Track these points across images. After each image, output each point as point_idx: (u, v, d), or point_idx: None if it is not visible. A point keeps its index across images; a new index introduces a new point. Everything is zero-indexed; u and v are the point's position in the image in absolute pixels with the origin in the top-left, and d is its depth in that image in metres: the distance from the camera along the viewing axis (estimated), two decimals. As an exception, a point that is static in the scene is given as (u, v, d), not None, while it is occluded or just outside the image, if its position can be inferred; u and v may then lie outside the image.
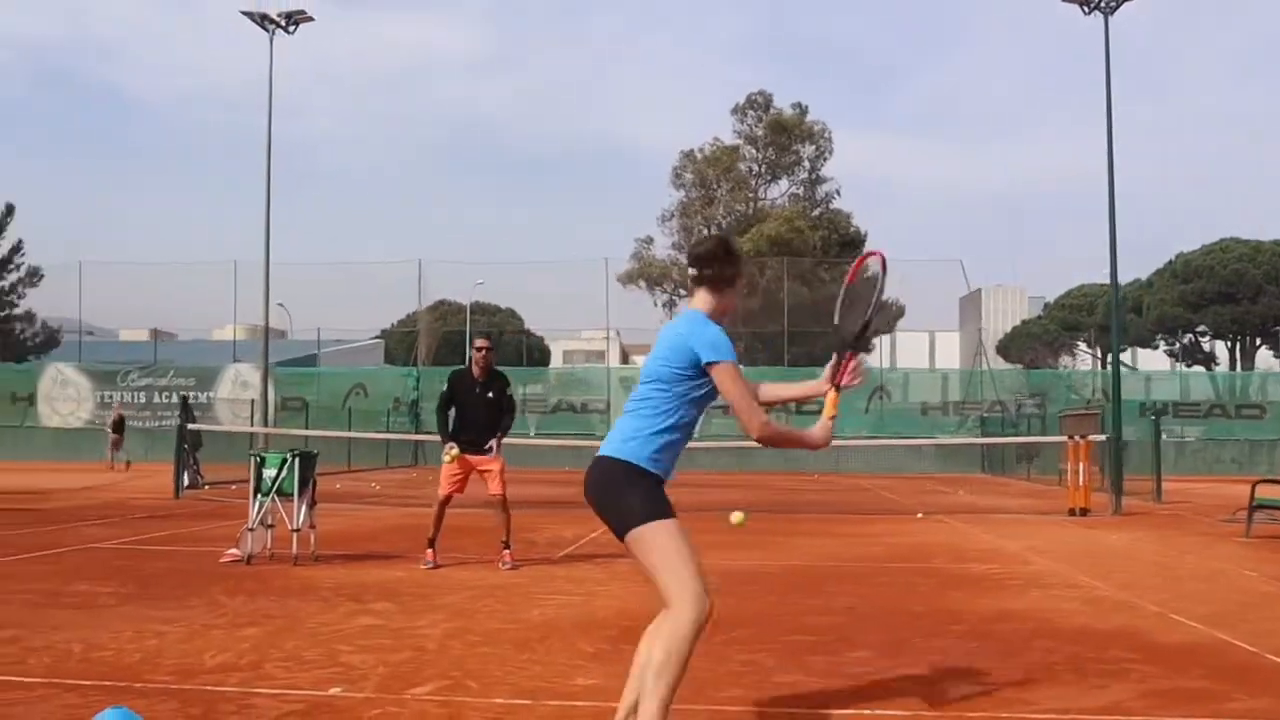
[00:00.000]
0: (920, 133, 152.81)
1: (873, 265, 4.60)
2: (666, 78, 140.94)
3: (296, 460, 10.10)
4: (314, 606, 7.61)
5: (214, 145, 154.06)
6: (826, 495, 21.84)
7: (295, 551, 9.85)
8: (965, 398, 36.53)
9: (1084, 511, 16.28)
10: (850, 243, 52.10)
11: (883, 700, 5.13)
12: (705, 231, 52.70)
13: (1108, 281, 20.01)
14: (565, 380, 40.76)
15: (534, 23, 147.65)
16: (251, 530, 10.00)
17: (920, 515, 16.39)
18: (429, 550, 9.95)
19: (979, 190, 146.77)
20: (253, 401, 31.51)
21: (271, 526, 10.20)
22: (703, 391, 4.01)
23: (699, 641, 3.85)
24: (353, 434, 29.93)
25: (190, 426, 22.33)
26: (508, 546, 10.04)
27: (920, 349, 67.36)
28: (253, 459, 10.31)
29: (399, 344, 58.96)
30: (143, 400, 37.10)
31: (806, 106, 52.85)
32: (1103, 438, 17.37)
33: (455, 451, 10.13)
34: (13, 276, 40.15)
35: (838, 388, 4.29)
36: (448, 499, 10.20)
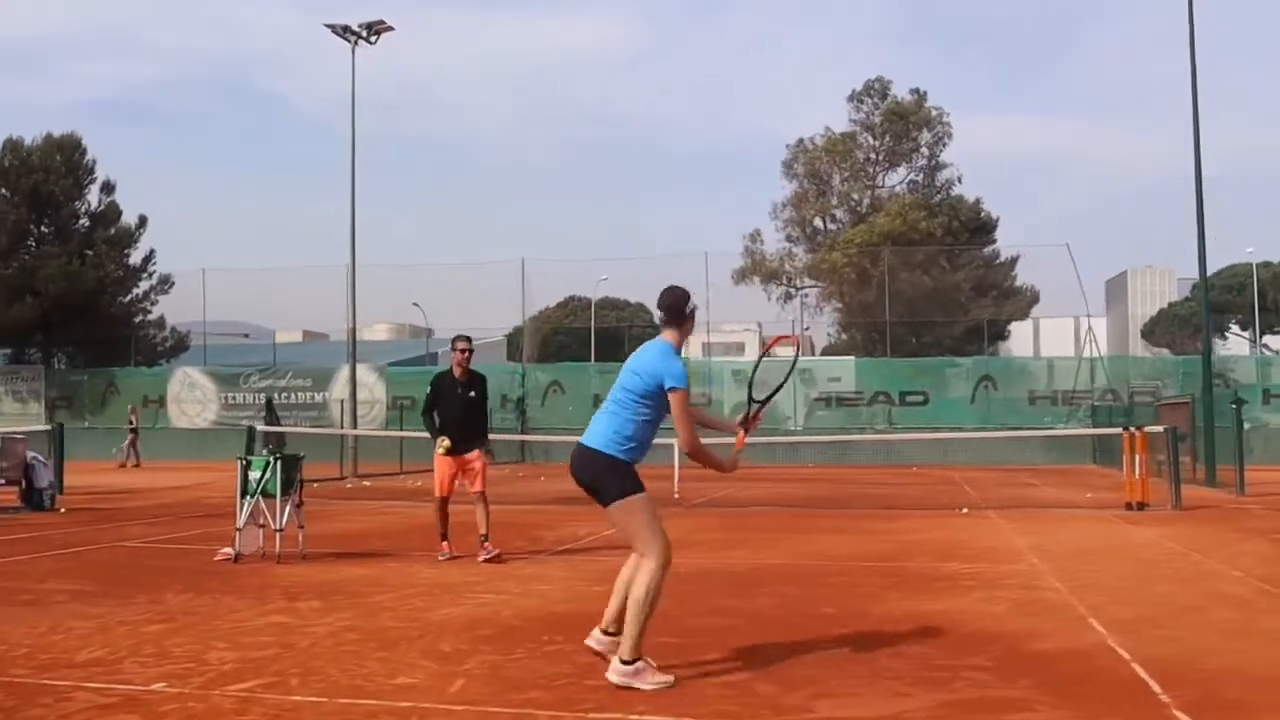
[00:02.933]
0: (1065, 113, 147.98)
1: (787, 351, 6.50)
2: (780, 67, 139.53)
3: (279, 463, 10.50)
4: (243, 603, 7.96)
5: (369, 150, 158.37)
6: (895, 489, 21.48)
7: (279, 550, 10.24)
8: (1076, 386, 35.29)
9: (1141, 506, 15.70)
10: (981, 228, 51.01)
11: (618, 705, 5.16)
12: (820, 224, 52.32)
13: (1258, 261, 19.20)
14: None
15: (675, 14, 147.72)
16: (240, 530, 10.45)
17: (964, 510, 16.06)
18: (444, 543, 10.42)
19: (1127, 170, 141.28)
20: (341, 402, 32.51)
21: (264, 526, 10.61)
22: (663, 404, 5.51)
23: (664, 581, 5.49)
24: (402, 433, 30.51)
25: (273, 429, 23.30)
26: (486, 539, 10.31)
27: (1065, 335, 65.31)
28: (239, 462, 10.75)
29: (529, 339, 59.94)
30: (262, 401, 38.59)
31: (925, 92, 51.89)
32: (1160, 429, 16.70)
33: (448, 443, 10.44)
34: (145, 284, 42.18)
35: (745, 430, 5.95)
36: (446, 498, 10.51)
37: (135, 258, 42.25)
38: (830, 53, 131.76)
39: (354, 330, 29.29)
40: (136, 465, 30.56)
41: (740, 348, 61.31)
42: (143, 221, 42.30)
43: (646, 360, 5.57)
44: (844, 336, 52.03)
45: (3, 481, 16.52)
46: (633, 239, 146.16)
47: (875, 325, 45.10)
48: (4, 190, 40.38)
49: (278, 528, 10.35)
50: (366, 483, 23.89)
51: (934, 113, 51.64)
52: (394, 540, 12.36)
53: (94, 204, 42.00)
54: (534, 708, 5.06)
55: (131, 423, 30.91)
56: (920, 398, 36.03)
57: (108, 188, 42.10)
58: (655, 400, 5.50)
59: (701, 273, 41.72)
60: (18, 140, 40.85)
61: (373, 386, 38.33)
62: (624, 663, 5.37)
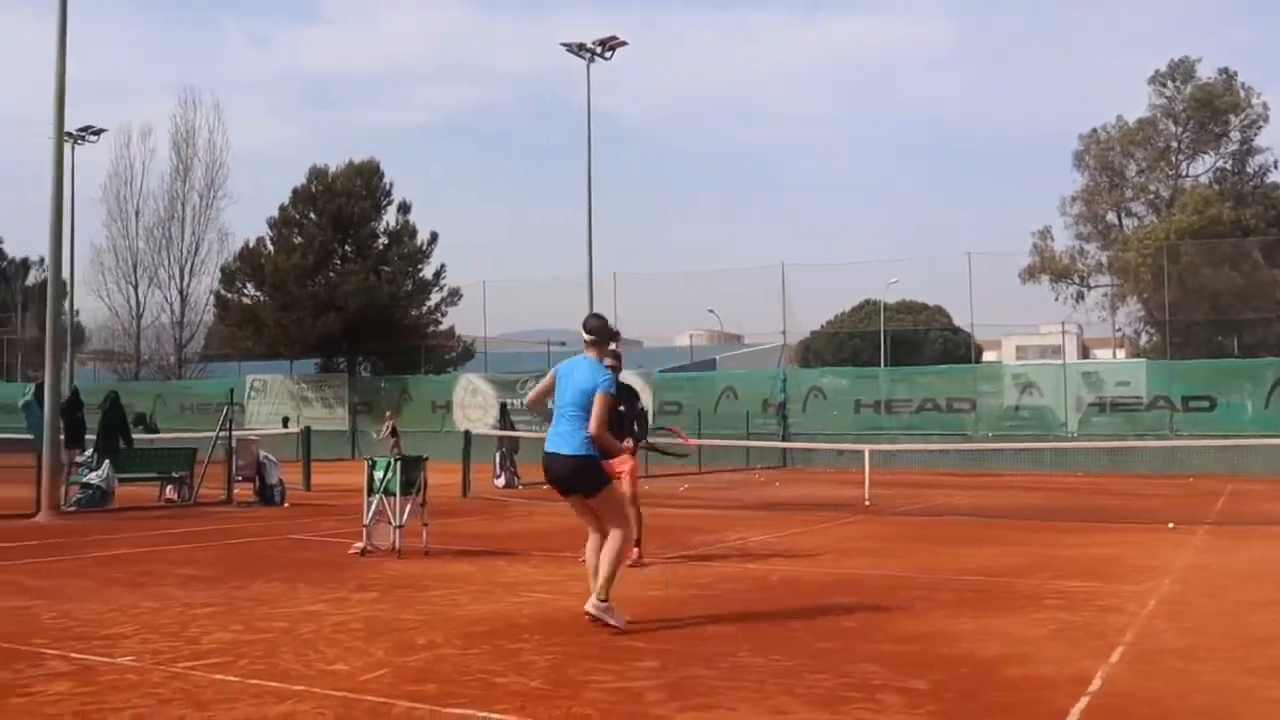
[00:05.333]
0: None
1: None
2: (1072, 54, 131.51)
3: (399, 464, 11.17)
4: (312, 592, 8.58)
5: (683, 158, 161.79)
6: (1125, 501, 20.04)
7: (398, 546, 10.88)
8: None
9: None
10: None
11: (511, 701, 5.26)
12: (1114, 218, 49.31)
13: None
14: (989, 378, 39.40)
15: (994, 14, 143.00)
16: (366, 526, 11.18)
17: (1171, 526, 14.89)
18: (635, 550, 10.69)
19: None
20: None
21: (400, 527, 11.27)
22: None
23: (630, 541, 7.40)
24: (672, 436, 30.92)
25: (507, 433, 24.43)
26: (636, 545, 10.42)
27: None
28: (366, 463, 11.49)
29: (825, 344, 59.84)
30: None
31: (1235, 72, 47.92)
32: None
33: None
34: (435, 297, 44.97)
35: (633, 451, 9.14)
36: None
37: (426, 272, 45.13)
38: (1132, 35, 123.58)
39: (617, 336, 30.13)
40: None
41: (1056, 350, 58.65)
42: (434, 238, 45.22)
43: (583, 374, 7.15)
44: (1144, 337, 48.81)
45: (240, 478, 18.22)
46: (926, 239, 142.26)
47: (1174, 325, 42.01)
48: (311, 214, 44.13)
49: (397, 525, 10.99)
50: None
51: (1245, 94, 47.58)
52: (540, 541, 12.77)
53: (391, 223, 45.21)
54: (417, 700, 5.26)
55: (391, 428, 32.96)
56: (1205, 403, 33.35)
57: (404, 208, 45.25)
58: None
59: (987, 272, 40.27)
60: (323, 168, 44.58)
61: (640, 391, 39.25)
62: (599, 600, 6.94)
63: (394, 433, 31.56)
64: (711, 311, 55.52)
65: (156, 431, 30.85)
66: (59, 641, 6.58)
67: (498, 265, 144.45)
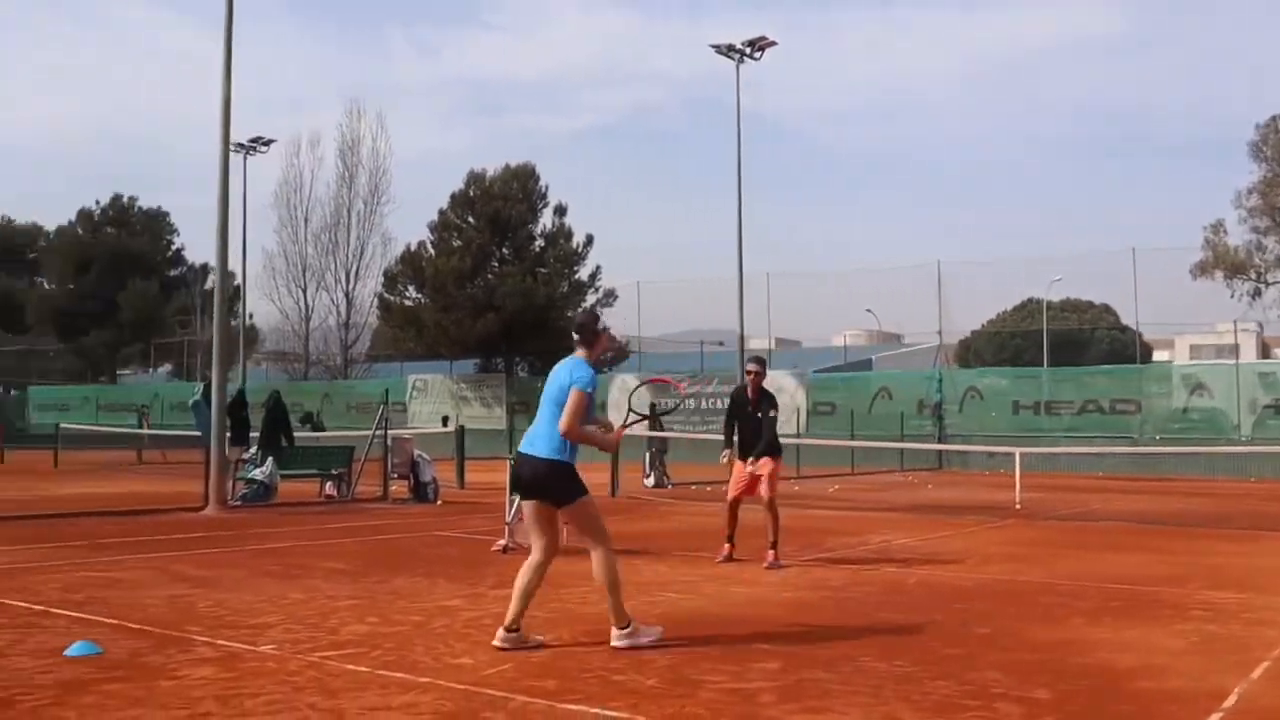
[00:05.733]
0: None
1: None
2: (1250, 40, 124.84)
3: (540, 462, 11.38)
4: (451, 588, 8.86)
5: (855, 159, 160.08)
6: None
7: (540, 543, 11.10)
8: None
9: None
10: None
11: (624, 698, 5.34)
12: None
13: None
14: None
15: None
16: (508, 524, 11.45)
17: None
18: (725, 545, 10.87)
19: None
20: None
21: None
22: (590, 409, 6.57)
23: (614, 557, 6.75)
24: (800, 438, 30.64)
25: (656, 434, 24.62)
26: (773, 547, 10.57)
27: None
28: (509, 462, 11.73)
29: (986, 344, 58.64)
30: (692, 406, 40.52)
31: None
32: None
33: (724, 458, 11.08)
34: (591, 298, 45.52)
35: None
36: (736, 500, 11.03)
37: (582, 274, 45.75)
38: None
39: (742, 337, 30.16)
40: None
41: (1233, 349, 56.15)
42: (589, 240, 45.79)
43: (563, 371, 6.63)
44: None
45: (395, 476, 18.82)
46: (1090, 235, 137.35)
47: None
48: (470, 218, 45.17)
49: (537, 523, 11.20)
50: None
51: None
52: (680, 541, 12.86)
53: (547, 226, 45.95)
54: (535, 695, 5.41)
55: None
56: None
57: (560, 210, 45.94)
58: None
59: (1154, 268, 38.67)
60: (480, 172, 45.59)
61: (794, 392, 39.09)
62: (620, 629, 6.49)
63: None
64: (869, 311, 54.81)
65: (322, 429, 32.01)
66: (210, 629, 6.95)
67: (654, 266, 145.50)
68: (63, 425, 34.57)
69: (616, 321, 46.38)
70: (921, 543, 12.93)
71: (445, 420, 38.97)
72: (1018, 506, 17.67)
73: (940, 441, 35.05)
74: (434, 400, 46.31)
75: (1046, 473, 28.33)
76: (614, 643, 6.45)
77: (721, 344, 47.47)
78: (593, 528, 6.69)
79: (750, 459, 10.87)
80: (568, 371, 6.58)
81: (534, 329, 43.73)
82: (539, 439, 6.57)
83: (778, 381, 40.11)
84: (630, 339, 46.27)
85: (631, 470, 22.66)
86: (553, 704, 5.23)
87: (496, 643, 6.45)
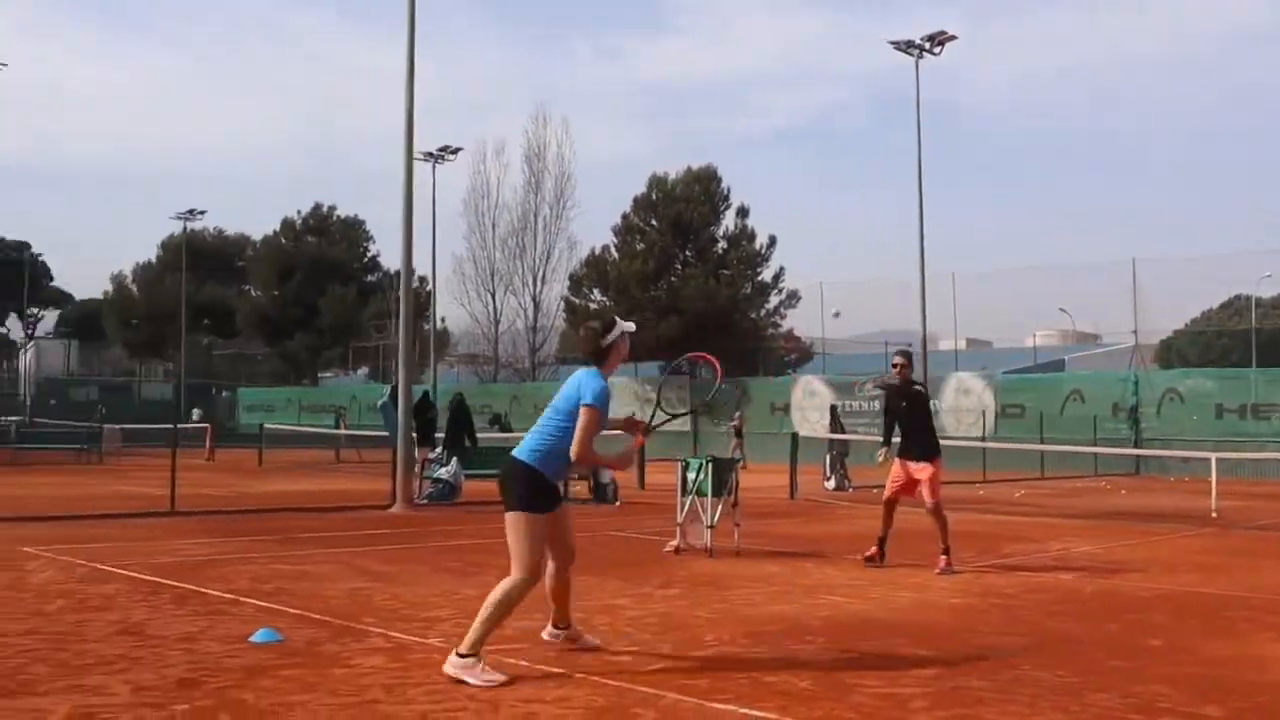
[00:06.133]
0: None
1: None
2: None
3: (710, 466, 11.51)
4: (616, 586, 9.05)
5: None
6: None
7: (710, 545, 11.21)
8: None
9: None
10: None
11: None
12: None
13: None
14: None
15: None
16: (680, 525, 11.59)
17: None
18: (873, 546, 10.79)
19: None
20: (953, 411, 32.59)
21: (711, 527, 11.60)
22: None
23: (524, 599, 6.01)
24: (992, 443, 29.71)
25: (837, 436, 24.45)
26: (945, 552, 10.41)
27: None
28: (679, 464, 11.89)
29: (1189, 344, 56.13)
30: (877, 408, 40.00)
31: None
32: None
33: (880, 456, 10.98)
34: (774, 300, 45.48)
35: (645, 435, 6.69)
36: (890, 501, 10.93)
37: (765, 275, 45.73)
38: None
39: (925, 338, 29.62)
40: (744, 467, 33.06)
41: None
42: (772, 241, 45.76)
43: (573, 382, 6.09)
44: None
45: (574, 476, 19.16)
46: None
47: None
48: (652, 221, 45.67)
49: (708, 524, 11.32)
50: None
51: None
52: (854, 545, 12.61)
53: (730, 228, 46.09)
54: (686, 693, 5.50)
55: (736, 428, 33.50)
56: None
57: (742, 212, 46.03)
58: (574, 418, 5.91)
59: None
60: (662, 175, 46.07)
61: (980, 393, 38.21)
62: (459, 655, 5.70)
63: (738, 433, 32.18)
64: (1063, 310, 53.03)
65: (510, 430, 32.85)
66: (384, 621, 7.28)
67: (837, 267, 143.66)
68: (266, 426, 36.44)
69: (800, 323, 46.27)
70: (1104, 550, 12.50)
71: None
72: (1214, 515, 16.85)
73: (1136, 446, 33.66)
74: (619, 403, 46.82)
75: (1252, 479, 26.93)
76: (446, 666, 5.74)
77: (910, 345, 46.72)
78: (519, 548, 5.97)
79: (903, 459, 10.76)
80: (577, 385, 6.02)
81: (717, 331, 43.93)
82: (527, 439, 6.13)
83: (964, 383, 39.33)
84: (814, 340, 46.01)
85: (811, 472, 22.57)
86: (702, 703, 5.31)
87: (544, 635, 6.57)
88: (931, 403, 11.29)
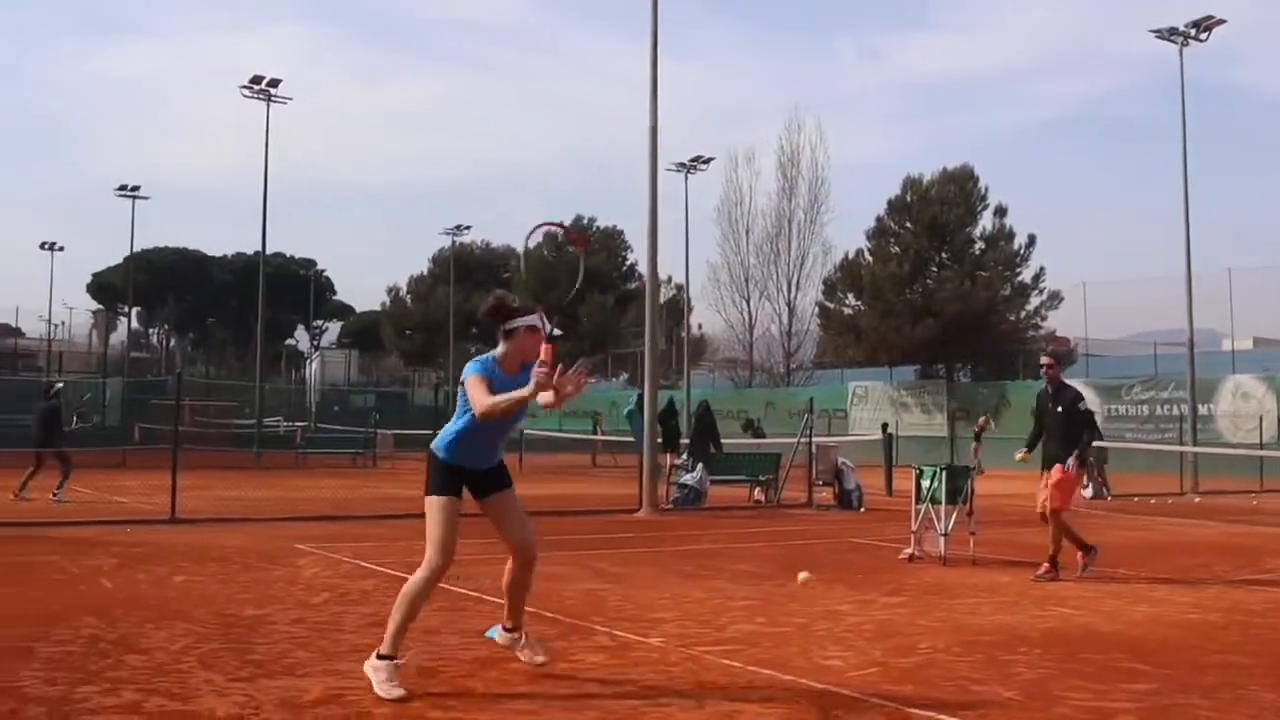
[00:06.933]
0: None
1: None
2: None
3: (944, 473, 11.46)
4: (841, 593, 9.17)
5: None
6: None
7: (944, 553, 11.17)
8: None
9: None
10: None
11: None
12: None
13: None
14: None
15: None
16: (915, 533, 11.59)
17: None
18: (1045, 564, 10.45)
19: None
20: (1180, 415, 30.84)
21: (945, 535, 11.54)
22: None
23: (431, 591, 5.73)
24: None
25: (1098, 444, 23.49)
26: (1050, 560, 10.30)
27: None
28: (914, 471, 11.87)
29: None
30: (1145, 413, 38.13)
31: None
32: None
33: (1020, 455, 10.99)
34: (1035, 301, 44.02)
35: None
36: (1046, 514, 10.60)
37: (1025, 275, 44.36)
38: None
39: (1192, 339, 28.02)
40: (980, 473, 31.93)
41: None
42: (1031, 241, 44.33)
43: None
44: None
45: (820, 483, 19.29)
46: None
47: None
48: (907, 223, 45.02)
49: (942, 532, 11.27)
50: (1197, 499, 23.01)
51: None
52: (1104, 556, 12.37)
53: (987, 228, 44.92)
54: (889, 699, 5.63)
55: (977, 431, 32.56)
56: None
57: (1000, 211, 44.80)
58: (466, 400, 5.64)
59: None
60: (916, 177, 45.36)
61: (1262, 397, 35.89)
62: (379, 656, 5.52)
63: (978, 436, 31.40)
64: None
65: (763, 436, 33.17)
66: (611, 621, 7.69)
67: (1102, 265, 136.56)
68: (526, 431, 37.96)
69: (1062, 324, 44.58)
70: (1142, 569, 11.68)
71: (885, 427, 39.21)
72: None
73: None
74: (874, 407, 46.47)
75: None
76: (366, 665, 5.60)
77: (1181, 345, 44.28)
78: (429, 534, 5.70)
79: (1047, 466, 10.56)
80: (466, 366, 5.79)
81: (974, 334, 42.97)
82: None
83: (1243, 386, 36.97)
84: (1078, 342, 44.23)
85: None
86: (903, 708, 5.43)
87: (489, 634, 6.27)
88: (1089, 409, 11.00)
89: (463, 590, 8.84)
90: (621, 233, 69.14)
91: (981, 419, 34.37)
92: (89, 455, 18.65)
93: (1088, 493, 22.70)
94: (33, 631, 6.93)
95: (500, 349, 5.82)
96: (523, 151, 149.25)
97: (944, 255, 45.04)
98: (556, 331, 5.85)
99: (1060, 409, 10.64)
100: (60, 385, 21.28)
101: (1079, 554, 10.55)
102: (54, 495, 17.09)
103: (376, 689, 5.40)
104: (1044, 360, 11.02)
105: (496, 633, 6.22)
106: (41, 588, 8.83)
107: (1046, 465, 10.61)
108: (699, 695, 5.64)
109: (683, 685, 5.84)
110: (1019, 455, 10.97)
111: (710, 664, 6.38)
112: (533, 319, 5.81)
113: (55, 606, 7.92)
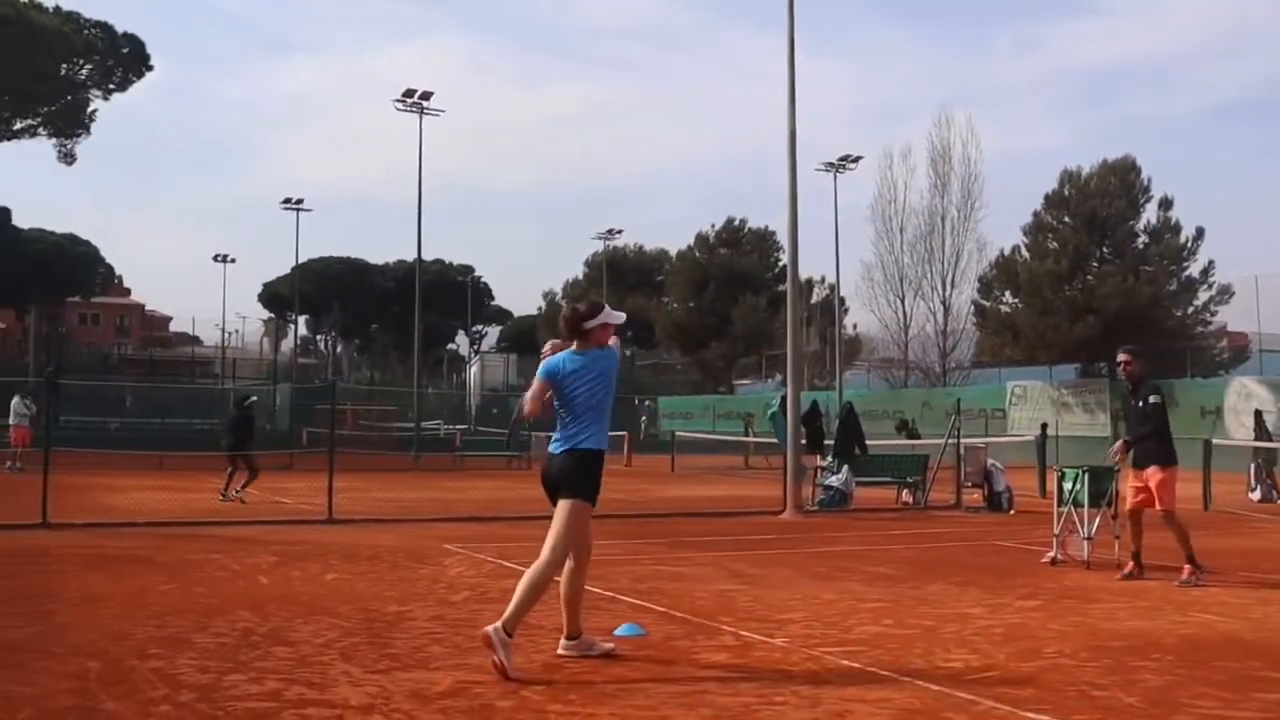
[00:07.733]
0: None
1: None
2: None
3: (1086, 475, 11.25)
4: (974, 595, 9.13)
5: None
6: None
7: (1087, 557, 10.98)
8: None
9: None
10: None
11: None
12: None
13: None
14: None
15: None
16: (1057, 536, 11.41)
17: None
18: (1129, 563, 10.38)
19: None
20: None
21: (1088, 538, 11.31)
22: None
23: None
24: None
25: (1261, 444, 22.63)
26: (1188, 561, 10.03)
27: None
28: (1056, 473, 11.67)
29: None
30: (1323, 410, 36.32)
31: None
32: None
33: (1114, 452, 10.69)
34: (1203, 295, 42.32)
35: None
36: (1131, 511, 10.49)
37: (1193, 270, 42.69)
38: None
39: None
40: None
41: None
42: (1200, 233, 42.61)
43: None
44: None
45: (969, 484, 19.02)
46: None
47: None
48: (1065, 218, 43.79)
49: (1085, 536, 11.07)
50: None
51: None
52: (1255, 561, 12.00)
53: (1150, 221, 43.38)
54: (1004, 702, 5.65)
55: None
56: None
57: (1164, 204, 43.19)
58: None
59: None
60: (1075, 170, 44.07)
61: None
62: (504, 627, 6.04)
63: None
64: None
65: (917, 437, 32.74)
66: (739, 621, 7.82)
67: (1278, 256, 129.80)
68: (677, 433, 38.30)
69: (1233, 319, 42.76)
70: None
71: (1044, 428, 38.25)
72: None
73: None
74: (1033, 407, 45.32)
75: None
76: (488, 627, 6.07)
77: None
78: (572, 536, 6.35)
79: (1137, 467, 10.38)
80: None
81: (1138, 330, 41.41)
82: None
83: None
84: (1252, 337, 42.38)
85: (1230, 482, 21.08)
86: (1016, 710, 5.44)
87: (560, 651, 6.53)
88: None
89: (599, 590, 9.07)
90: (774, 234, 68.79)
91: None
92: (259, 459, 19.64)
93: (1255, 495, 21.87)
94: (193, 623, 7.45)
95: (580, 347, 6.53)
96: (675, 153, 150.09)
97: (1105, 250, 43.63)
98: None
99: (1141, 405, 10.40)
100: (255, 399, 22.42)
101: (1130, 563, 10.36)
102: (230, 493, 18.10)
103: (499, 656, 5.92)
104: (1121, 357, 10.75)
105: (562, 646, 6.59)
106: (204, 583, 9.41)
107: (1137, 465, 10.39)
108: (814, 694, 5.74)
109: (799, 684, 5.95)
110: (1114, 456, 10.70)
111: (830, 664, 6.47)
112: (618, 316, 6.64)
113: (215, 601, 8.46)
